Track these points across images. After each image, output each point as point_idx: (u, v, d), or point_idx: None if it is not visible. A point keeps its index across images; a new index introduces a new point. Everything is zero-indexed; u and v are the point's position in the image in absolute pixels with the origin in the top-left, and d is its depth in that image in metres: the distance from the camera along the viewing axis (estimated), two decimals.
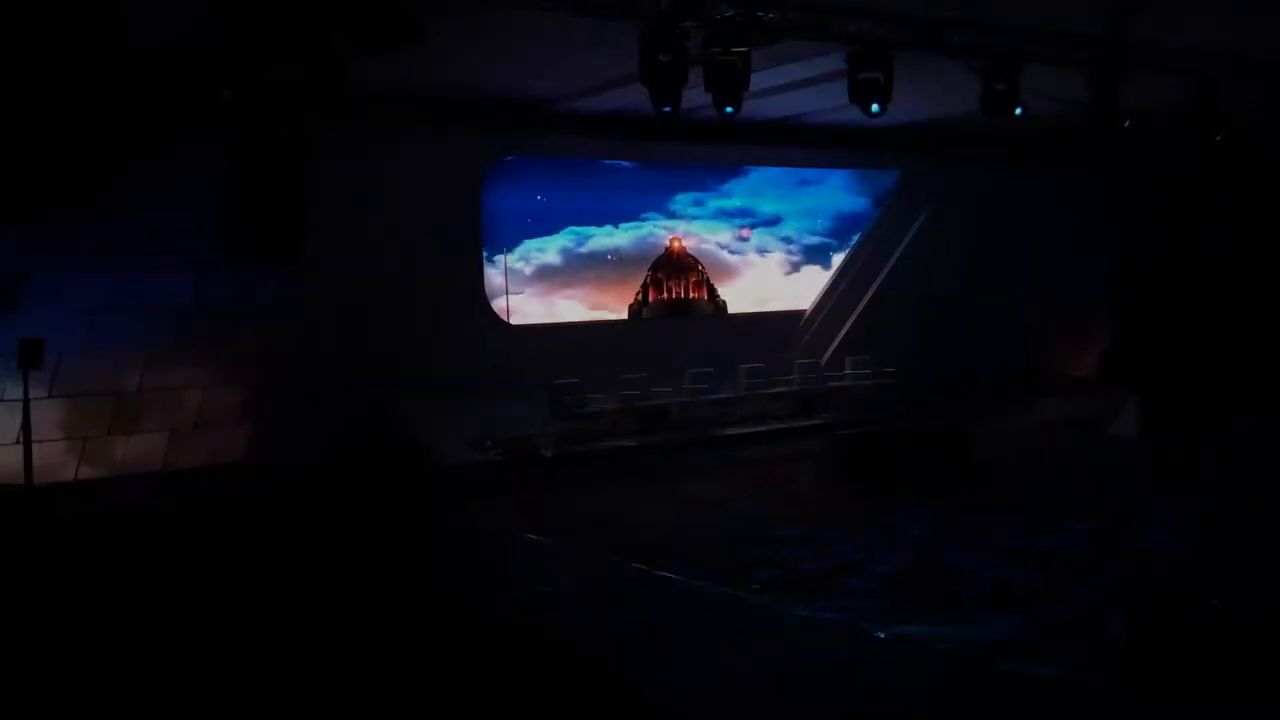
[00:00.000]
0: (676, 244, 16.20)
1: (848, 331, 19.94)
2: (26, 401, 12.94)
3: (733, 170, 19.07)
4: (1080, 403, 19.76)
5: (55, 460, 13.86)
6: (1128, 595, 6.64)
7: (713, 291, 16.58)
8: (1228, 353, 20.54)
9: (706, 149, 19.36)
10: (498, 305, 15.79)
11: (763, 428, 17.07)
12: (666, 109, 11.18)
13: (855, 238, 21.18)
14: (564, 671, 6.89)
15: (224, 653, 7.99)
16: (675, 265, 16.09)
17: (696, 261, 16.12)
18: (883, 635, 8.17)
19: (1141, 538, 11.00)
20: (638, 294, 15.87)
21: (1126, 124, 13.52)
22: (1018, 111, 12.85)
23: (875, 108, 12.30)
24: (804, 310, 20.54)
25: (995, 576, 9.81)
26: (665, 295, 15.69)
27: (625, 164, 18.85)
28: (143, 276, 14.49)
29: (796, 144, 20.07)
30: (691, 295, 16.12)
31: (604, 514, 13.13)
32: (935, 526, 11.72)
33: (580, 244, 16.09)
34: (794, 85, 15.48)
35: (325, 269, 15.51)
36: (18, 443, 13.00)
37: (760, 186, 18.50)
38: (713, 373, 18.13)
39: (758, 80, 11.77)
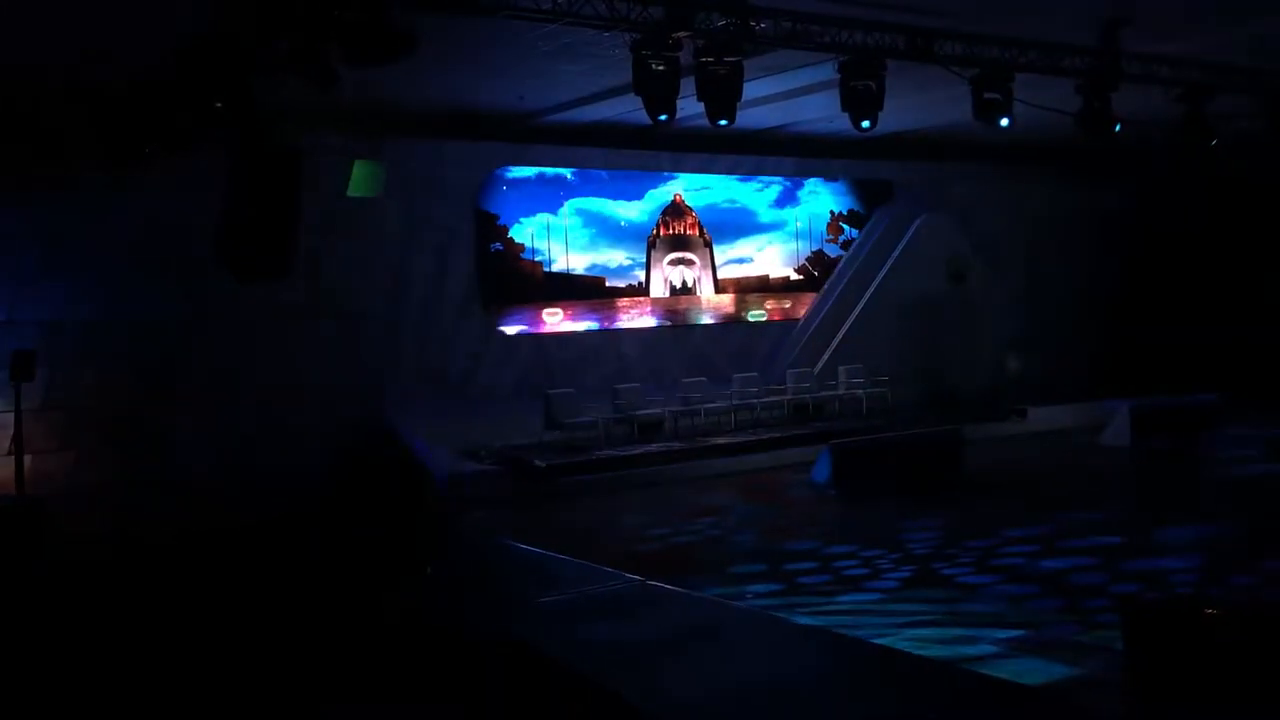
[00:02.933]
0: (678, 197, 20.00)
1: (840, 341, 19.97)
2: (18, 414, 12.96)
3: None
4: (1072, 411, 19.81)
5: None
6: (1125, 603, 6.64)
7: (702, 229, 20.24)
8: (1218, 363, 20.60)
9: (699, 158, 19.47)
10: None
11: (756, 437, 17.08)
12: (663, 117, 11.20)
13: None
14: (557, 684, 6.88)
15: (221, 660, 7.99)
16: (677, 211, 20.02)
17: (691, 209, 20.08)
18: (879, 646, 8.16)
19: (1141, 548, 11.01)
20: (653, 231, 19.65)
21: (1117, 128, 13.54)
22: (1004, 123, 12.87)
23: (866, 124, 12.33)
24: (797, 319, 20.59)
25: (989, 586, 9.82)
26: (670, 231, 19.81)
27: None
28: (134, 289, 14.50)
29: (788, 153, 20.16)
30: (688, 233, 20.04)
31: (598, 524, 13.13)
32: (931, 537, 11.72)
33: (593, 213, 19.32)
34: (786, 95, 15.54)
35: (321, 280, 15.60)
36: (10, 454, 13.05)
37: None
38: (706, 382, 18.19)
39: (750, 90, 11.79)
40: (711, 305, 20.11)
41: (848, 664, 7.73)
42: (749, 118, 15.67)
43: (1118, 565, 10.31)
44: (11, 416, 12.99)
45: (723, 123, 11.63)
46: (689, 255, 19.89)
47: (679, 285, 19.85)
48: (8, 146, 13.22)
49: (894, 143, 20.09)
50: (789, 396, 18.73)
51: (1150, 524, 11.94)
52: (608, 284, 19.20)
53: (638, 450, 16.08)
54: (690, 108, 11.79)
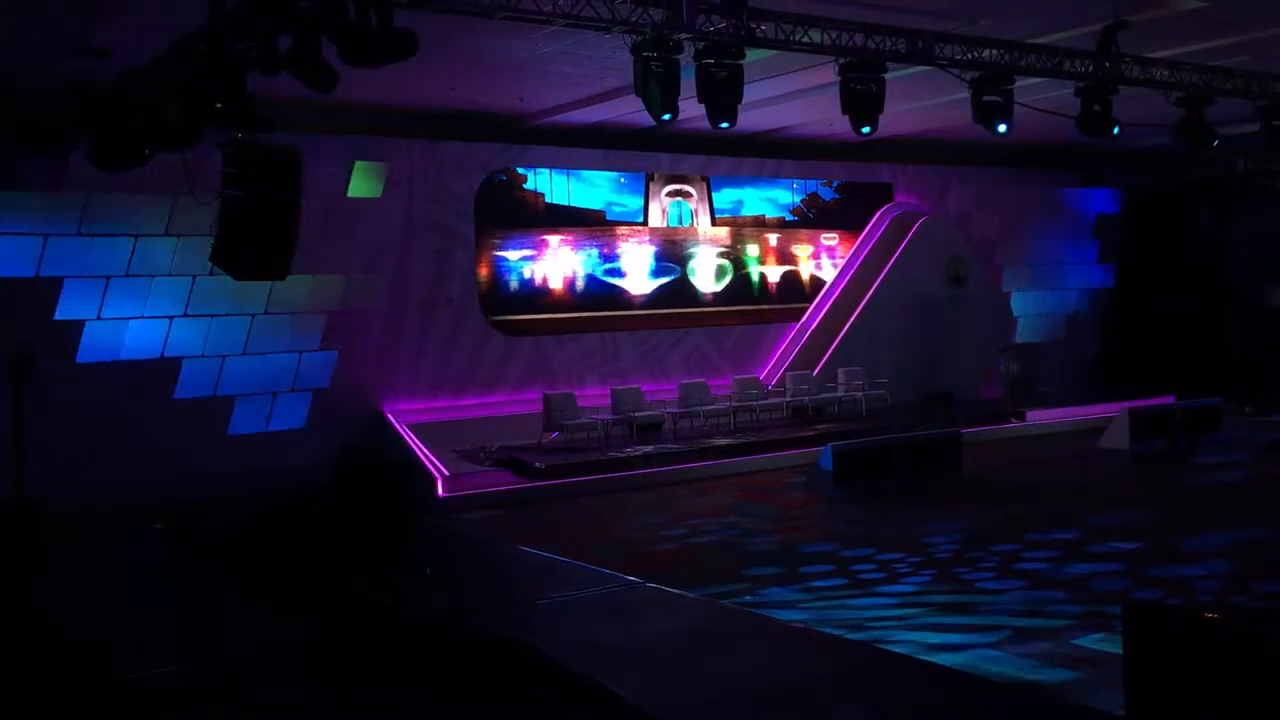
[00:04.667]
0: None
1: (840, 343, 19.96)
2: (18, 413, 12.98)
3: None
4: (1071, 414, 19.83)
5: None
6: (1126, 607, 6.62)
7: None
8: (1216, 365, 20.63)
9: (701, 160, 19.45)
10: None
11: (756, 439, 17.06)
12: (666, 116, 11.16)
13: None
14: (555, 684, 6.87)
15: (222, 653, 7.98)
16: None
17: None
18: (878, 648, 8.16)
19: (1152, 551, 11.00)
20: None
21: (1115, 131, 13.52)
22: (1001, 129, 12.85)
23: (866, 129, 12.33)
24: (797, 322, 20.57)
25: (994, 588, 9.81)
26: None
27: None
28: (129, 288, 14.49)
29: (789, 155, 20.15)
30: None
31: (597, 526, 13.11)
32: (929, 538, 11.71)
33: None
34: (787, 97, 15.53)
35: (320, 281, 15.59)
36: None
37: None
38: (705, 384, 18.18)
39: (751, 93, 11.77)
40: (709, 238, 20.02)
41: (845, 665, 7.71)
42: (750, 120, 15.66)
43: (1103, 561, 10.31)
44: None
45: (724, 125, 11.60)
46: (686, 187, 19.85)
47: (677, 223, 19.73)
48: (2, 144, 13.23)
49: (894, 145, 20.10)
50: (788, 398, 18.73)
51: (1155, 526, 11.93)
52: (607, 218, 19.02)
53: (637, 452, 16.07)
54: (690, 110, 11.76)
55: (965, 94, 12.81)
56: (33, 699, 7.02)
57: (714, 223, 20.07)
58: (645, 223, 19.41)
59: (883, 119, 12.38)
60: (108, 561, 11.37)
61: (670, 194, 19.70)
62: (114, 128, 11.54)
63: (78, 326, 14.16)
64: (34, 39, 11.18)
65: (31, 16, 10.75)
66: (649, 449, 16.25)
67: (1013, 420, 19.40)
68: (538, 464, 15.30)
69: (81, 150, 12.54)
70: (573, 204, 18.70)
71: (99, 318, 14.27)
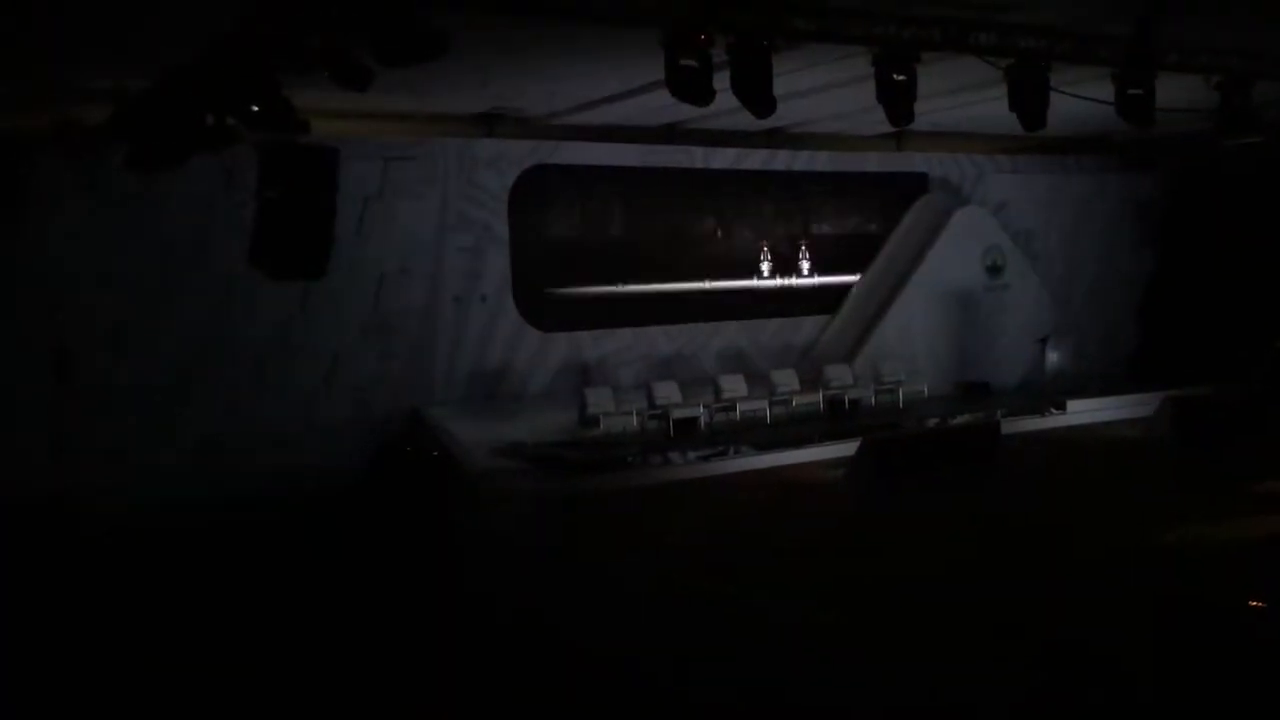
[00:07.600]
0: None
1: (876, 335, 19.84)
2: (55, 410, 13.12)
3: None
4: (1111, 404, 19.65)
5: None
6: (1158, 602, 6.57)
7: None
8: (1257, 352, 20.36)
9: (732, 153, 19.34)
10: None
11: (793, 434, 16.99)
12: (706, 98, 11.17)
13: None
14: (591, 674, 6.90)
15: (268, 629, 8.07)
16: None
17: None
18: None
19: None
20: None
21: (1155, 117, 13.38)
22: (1036, 128, 12.76)
23: (902, 122, 12.28)
24: (833, 315, 20.47)
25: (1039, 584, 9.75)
26: None
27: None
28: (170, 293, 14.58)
29: (822, 146, 20.03)
30: None
31: (632, 522, 13.12)
32: (968, 531, 11.65)
33: None
34: (820, 89, 15.45)
35: (355, 278, 15.66)
36: None
37: None
38: (742, 379, 18.11)
39: (783, 84, 11.73)
40: None
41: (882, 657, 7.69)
42: (783, 111, 15.59)
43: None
44: None
45: (761, 117, 11.58)
46: None
47: None
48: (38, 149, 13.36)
49: (929, 135, 19.95)
50: (825, 392, 18.61)
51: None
52: None
53: (674, 447, 16.02)
54: (724, 102, 11.73)
55: (1001, 82, 12.72)
56: None
57: None
58: None
59: (918, 108, 12.31)
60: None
61: None
62: (151, 131, 11.61)
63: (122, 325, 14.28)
64: (70, 45, 11.26)
65: (67, 21, 10.84)
66: (685, 445, 16.19)
67: (1052, 410, 19.23)
68: (574, 460, 15.30)
69: (119, 154, 12.64)
70: None
71: None
